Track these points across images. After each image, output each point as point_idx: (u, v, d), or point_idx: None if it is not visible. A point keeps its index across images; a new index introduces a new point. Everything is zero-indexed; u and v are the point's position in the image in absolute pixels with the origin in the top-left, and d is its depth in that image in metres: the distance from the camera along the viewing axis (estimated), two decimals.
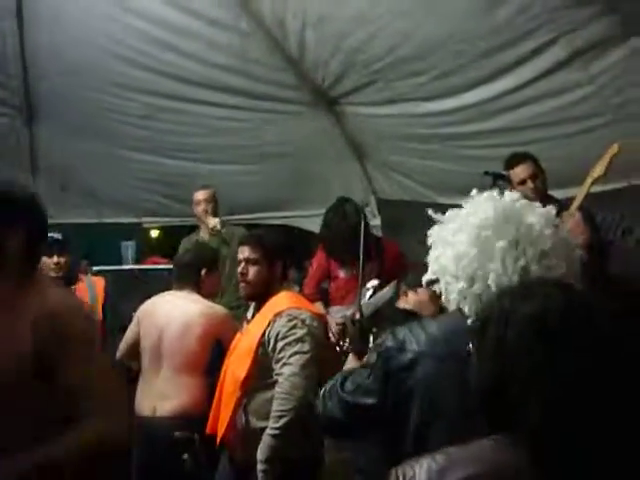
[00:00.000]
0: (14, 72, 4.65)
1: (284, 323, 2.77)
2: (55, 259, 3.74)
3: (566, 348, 1.09)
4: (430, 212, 1.69)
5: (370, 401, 1.63)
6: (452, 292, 1.57)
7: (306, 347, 2.73)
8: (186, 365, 3.21)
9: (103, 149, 5.28)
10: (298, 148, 5.15)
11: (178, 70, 4.49)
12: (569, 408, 1.08)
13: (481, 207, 1.59)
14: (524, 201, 1.63)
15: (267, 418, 2.71)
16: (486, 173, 3.41)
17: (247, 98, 4.68)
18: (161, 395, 3.17)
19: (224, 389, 2.91)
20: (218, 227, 4.45)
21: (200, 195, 4.63)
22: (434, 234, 1.66)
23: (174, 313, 3.28)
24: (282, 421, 2.64)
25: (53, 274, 3.70)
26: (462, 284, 1.53)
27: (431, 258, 1.64)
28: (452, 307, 1.59)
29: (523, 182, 3.36)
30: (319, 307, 4.12)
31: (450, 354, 1.53)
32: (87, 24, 4.27)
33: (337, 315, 4.02)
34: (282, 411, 2.65)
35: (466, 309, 1.54)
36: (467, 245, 1.54)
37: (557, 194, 3.46)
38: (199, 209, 4.61)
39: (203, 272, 3.42)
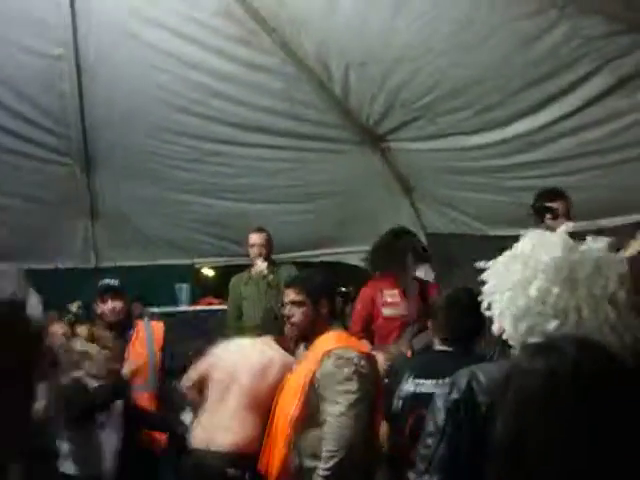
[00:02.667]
0: (73, 123, 4.85)
1: (332, 362, 2.78)
2: (109, 305, 3.78)
3: (579, 405, 1.05)
4: (481, 264, 1.59)
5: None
6: (539, 333, 1.43)
7: (354, 386, 2.73)
8: (252, 404, 3.31)
9: (156, 193, 5.44)
10: (345, 186, 5.21)
11: (227, 115, 4.62)
12: (584, 471, 1.04)
13: (545, 242, 1.52)
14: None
15: (318, 457, 2.72)
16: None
17: (294, 139, 4.78)
18: (219, 427, 3.26)
19: (275, 428, 2.93)
20: (265, 273, 4.54)
21: (254, 239, 4.72)
22: (496, 277, 1.55)
23: (252, 354, 3.43)
24: (332, 462, 2.64)
25: (110, 320, 3.75)
26: (554, 322, 1.43)
27: (501, 302, 1.52)
28: None
29: (557, 217, 3.37)
30: (366, 345, 4.12)
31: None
32: (141, 76, 4.45)
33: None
34: (331, 451, 2.66)
35: None
36: (547, 282, 1.45)
37: (604, 223, 3.42)
38: (253, 251, 4.70)
39: None
